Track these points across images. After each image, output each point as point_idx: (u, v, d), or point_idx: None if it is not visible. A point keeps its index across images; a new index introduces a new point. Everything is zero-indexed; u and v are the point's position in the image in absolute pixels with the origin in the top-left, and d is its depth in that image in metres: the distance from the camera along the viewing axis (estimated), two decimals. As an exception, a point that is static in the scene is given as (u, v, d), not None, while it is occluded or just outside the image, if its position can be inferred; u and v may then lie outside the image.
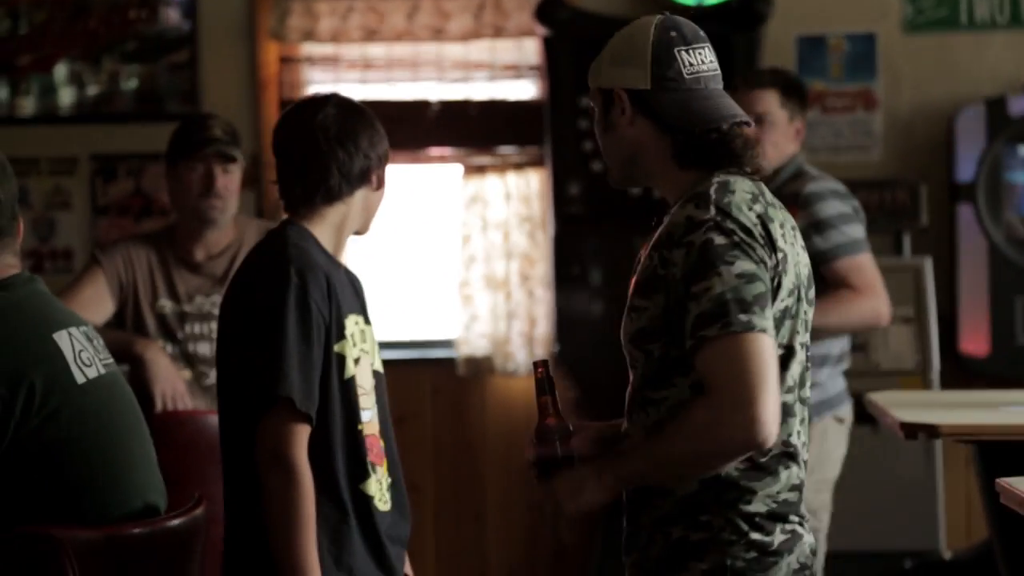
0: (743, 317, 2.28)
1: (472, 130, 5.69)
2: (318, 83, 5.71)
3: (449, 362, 5.71)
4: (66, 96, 5.70)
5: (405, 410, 5.70)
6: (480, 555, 5.74)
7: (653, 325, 2.37)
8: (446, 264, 5.83)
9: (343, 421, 2.80)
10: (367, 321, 2.92)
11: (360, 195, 2.90)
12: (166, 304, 3.99)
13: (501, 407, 5.74)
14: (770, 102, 4.02)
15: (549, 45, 5.42)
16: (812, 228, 3.88)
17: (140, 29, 5.68)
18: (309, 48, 5.72)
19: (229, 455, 2.85)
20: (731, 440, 2.28)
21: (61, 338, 2.72)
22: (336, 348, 2.79)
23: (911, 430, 3.33)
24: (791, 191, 3.95)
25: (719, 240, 2.31)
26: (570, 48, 5.40)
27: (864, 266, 3.93)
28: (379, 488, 2.86)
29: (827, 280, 3.87)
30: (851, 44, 5.63)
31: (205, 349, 3.96)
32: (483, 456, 5.74)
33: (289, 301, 2.74)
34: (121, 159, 5.68)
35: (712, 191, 2.36)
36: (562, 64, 5.41)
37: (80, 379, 2.71)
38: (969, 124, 5.35)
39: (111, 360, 2.85)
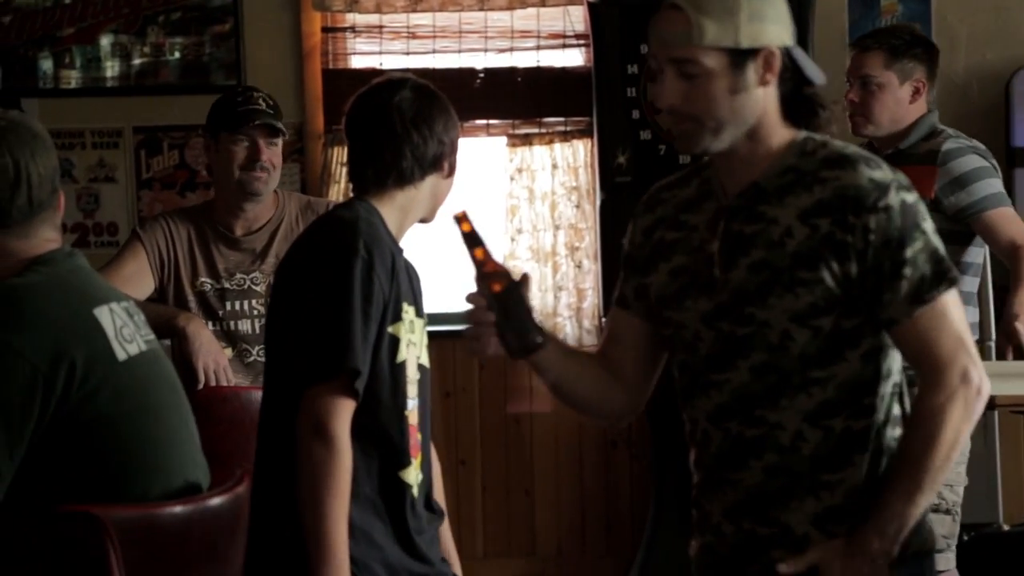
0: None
1: (518, 100, 5.64)
2: (362, 53, 5.67)
3: (496, 335, 5.65)
4: (110, 68, 5.68)
5: (453, 384, 5.67)
6: (529, 529, 5.71)
7: (828, 297, 2.27)
8: (492, 236, 5.78)
9: (391, 404, 2.75)
10: (419, 314, 2.87)
11: (430, 181, 2.86)
12: (207, 281, 3.96)
13: (549, 380, 5.68)
14: (873, 64, 4.00)
15: (595, 12, 5.35)
16: (954, 184, 3.92)
17: (183, 0, 5.65)
18: (352, 18, 5.67)
19: (270, 424, 2.79)
20: (978, 407, 2.29)
21: (102, 314, 2.70)
22: (391, 329, 2.74)
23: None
24: (927, 149, 3.99)
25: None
26: (617, 15, 5.33)
27: (1012, 216, 3.95)
28: (416, 478, 2.81)
29: (977, 232, 3.95)
30: (904, 6, 5.54)
31: (246, 327, 3.93)
32: (531, 430, 5.70)
33: (356, 273, 2.69)
34: (165, 131, 5.65)
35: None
36: (609, 32, 5.34)
37: (121, 355, 2.69)
38: (1026, 87, 5.27)
39: (152, 336, 2.82)
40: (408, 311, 2.78)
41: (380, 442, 2.75)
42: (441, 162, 2.86)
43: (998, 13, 5.50)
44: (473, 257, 2.38)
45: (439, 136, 2.85)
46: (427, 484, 2.87)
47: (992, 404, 3.23)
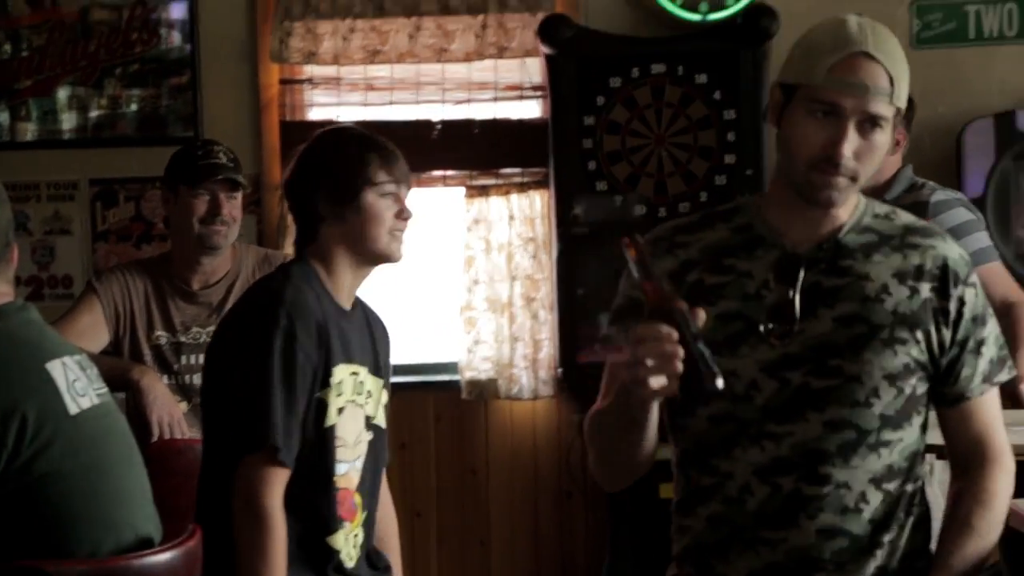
0: (1010, 359, 2.40)
1: (475, 151, 5.65)
2: (319, 105, 5.68)
3: (452, 386, 5.66)
4: (67, 120, 5.67)
5: (409, 435, 5.66)
6: (486, 580, 5.70)
7: (918, 360, 2.29)
8: (449, 287, 5.78)
9: (317, 470, 2.75)
10: (376, 372, 2.87)
11: (356, 221, 2.83)
12: (162, 335, 3.95)
13: (505, 431, 5.69)
14: None
15: (553, 64, 5.38)
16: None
17: (141, 52, 5.65)
18: (311, 70, 5.69)
19: (206, 491, 2.81)
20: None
21: (54, 368, 2.68)
22: (319, 394, 2.75)
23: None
24: (913, 201, 4.01)
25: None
26: (574, 67, 5.36)
27: (1002, 272, 4.01)
28: (346, 543, 2.81)
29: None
30: (857, 60, 5.58)
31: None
32: (487, 481, 5.69)
33: (277, 346, 2.71)
34: (122, 183, 5.64)
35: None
36: (565, 84, 5.37)
37: (73, 409, 2.67)
38: (978, 139, 5.30)
39: (105, 389, 2.80)
40: (352, 371, 2.78)
41: (305, 508, 2.75)
42: (356, 201, 2.82)
43: (949, 67, 5.56)
44: (643, 287, 2.13)
45: (347, 176, 2.82)
46: (365, 544, 2.87)
47: (943, 454, 3.24)
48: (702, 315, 2.03)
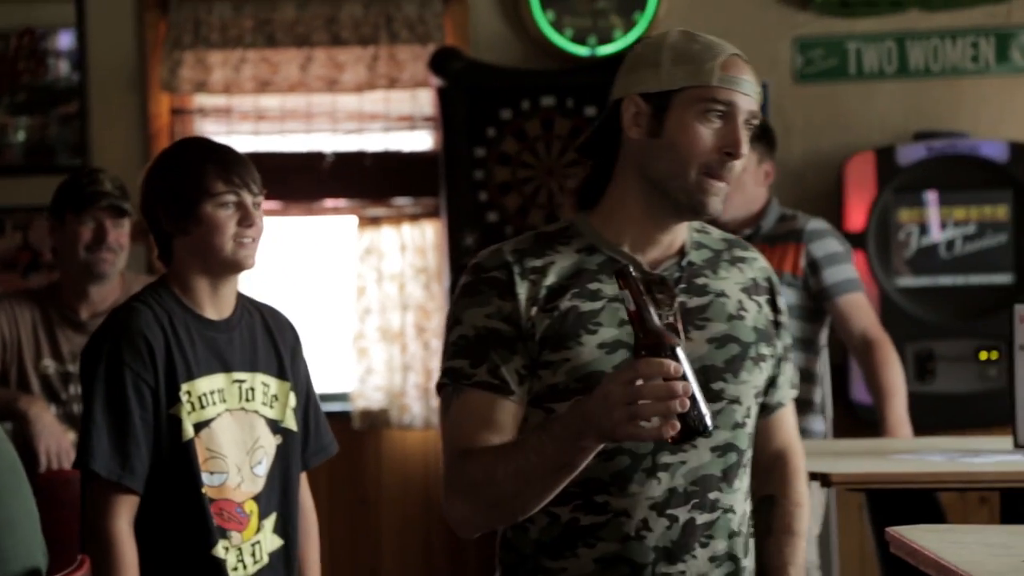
0: None
1: (367, 181, 5.67)
2: (210, 134, 5.66)
3: (344, 416, 5.66)
4: (-47, 149, 5.61)
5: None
6: (377, 610, 5.69)
7: (771, 375, 2.30)
8: (341, 316, 5.79)
9: (180, 485, 2.76)
10: (281, 376, 2.89)
11: (199, 233, 2.82)
12: (49, 364, 3.92)
13: (397, 461, 5.69)
14: None
15: (444, 96, 5.42)
16: (816, 264, 4.02)
17: (28, 81, 5.61)
18: (201, 99, 5.68)
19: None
20: None
21: (-61, 398, 2.66)
22: (171, 411, 2.76)
23: (804, 479, 3.34)
24: (787, 230, 4.06)
25: None
26: (465, 99, 5.41)
27: (865, 304, 4.07)
28: (236, 553, 2.81)
29: (831, 313, 4.05)
30: (743, 95, 5.68)
31: None
32: (379, 511, 5.69)
33: (98, 372, 2.75)
34: (9, 212, 5.59)
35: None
36: (456, 115, 5.41)
37: (-41, 439, 2.64)
38: (859, 173, 5.41)
39: (-10, 419, 2.79)
40: (203, 385, 2.79)
41: (176, 523, 2.76)
42: (195, 210, 2.81)
43: (831, 103, 5.67)
44: (637, 323, 1.99)
45: (182, 187, 2.81)
46: (283, 552, 2.87)
47: (828, 481, 3.31)
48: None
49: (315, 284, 5.87)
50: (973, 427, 5.01)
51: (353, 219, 5.73)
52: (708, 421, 1.94)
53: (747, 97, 2.19)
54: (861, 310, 4.05)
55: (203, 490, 2.77)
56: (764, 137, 4.14)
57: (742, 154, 2.18)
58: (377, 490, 5.69)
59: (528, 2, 5.63)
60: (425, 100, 5.67)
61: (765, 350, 2.26)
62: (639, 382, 1.92)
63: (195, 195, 2.79)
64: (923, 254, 5.38)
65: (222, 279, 2.85)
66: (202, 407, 2.78)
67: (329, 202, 5.69)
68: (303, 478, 3.00)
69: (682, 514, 2.17)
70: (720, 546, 2.20)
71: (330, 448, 3.03)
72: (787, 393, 2.35)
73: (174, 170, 2.82)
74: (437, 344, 5.63)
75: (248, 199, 2.81)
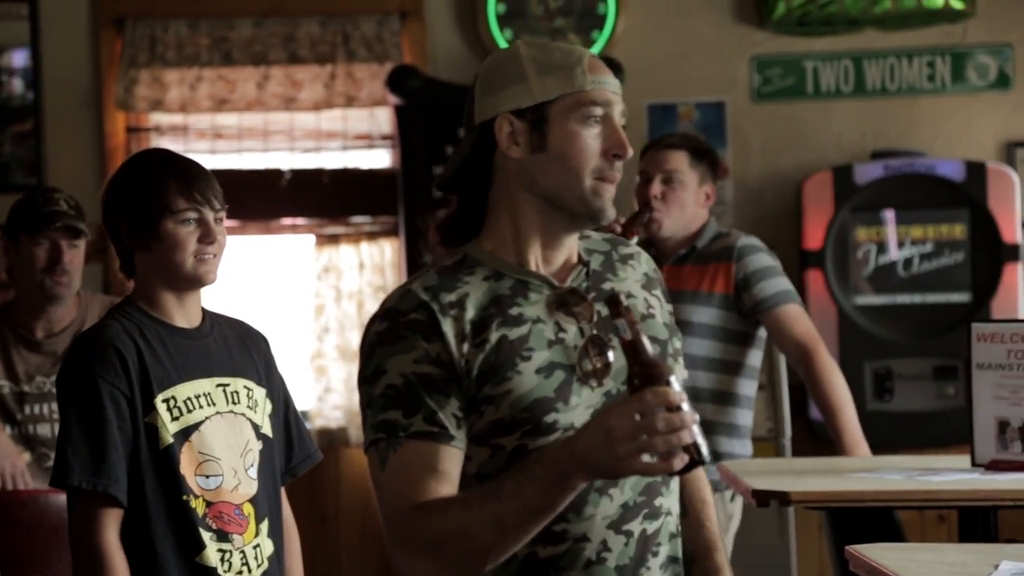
0: None
1: (325, 200, 5.66)
2: (167, 153, 5.64)
3: (303, 434, 5.63)
4: (-94, 167, 5.57)
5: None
6: (335, 631, 5.66)
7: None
8: (299, 335, 5.77)
9: (161, 493, 2.75)
10: (259, 382, 2.89)
11: (159, 249, 2.81)
12: (4, 385, 3.88)
13: (356, 480, 5.67)
14: (679, 161, 4.04)
15: (402, 114, 5.42)
16: (749, 279, 3.98)
17: (-17, 98, 5.58)
18: (157, 118, 5.66)
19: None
20: None
21: None
22: (146, 420, 2.75)
23: (763, 497, 3.33)
24: (721, 247, 4.03)
25: None
26: (423, 117, 5.41)
27: (801, 314, 4.03)
28: (227, 557, 2.80)
29: (766, 328, 4.01)
30: (701, 112, 5.71)
31: (46, 430, 3.86)
32: (338, 529, 5.67)
33: (72, 389, 2.75)
34: (-37, 231, 5.54)
35: None
36: (414, 133, 5.41)
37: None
38: (817, 191, 5.44)
39: (-55, 441, 2.76)
40: (185, 390, 2.79)
41: (157, 533, 2.74)
42: (156, 227, 2.80)
43: (789, 122, 5.70)
44: (632, 353, 1.93)
45: (142, 204, 2.80)
46: (274, 556, 2.86)
47: (787, 500, 3.31)
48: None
49: (273, 303, 5.85)
50: (931, 445, 5.04)
51: (311, 237, 5.71)
52: (705, 450, 1.89)
53: (616, 95, 2.16)
54: (795, 320, 4.04)
55: (186, 497, 2.76)
56: (706, 159, 4.12)
57: (629, 152, 2.14)
58: (336, 508, 5.66)
59: (486, 20, 5.64)
60: (383, 118, 5.67)
61: (678, 345, 2.25)
62: (640, 415, 1.86)
63: (155, 211, 2.78)
64: (881, 272, 5.40)
65: (186, 292, 2.85)
66: (188, 411, 2.78)
67: (286, 220, 5.67)
68: (283, 491, 3.00)
69: (635, 527, 2.12)
70: (665, 551, 2.16)
71: (316, 455, 3.04)
72: None
73: (135, 185, 2.81)
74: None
75: (209, 215, 2.81)
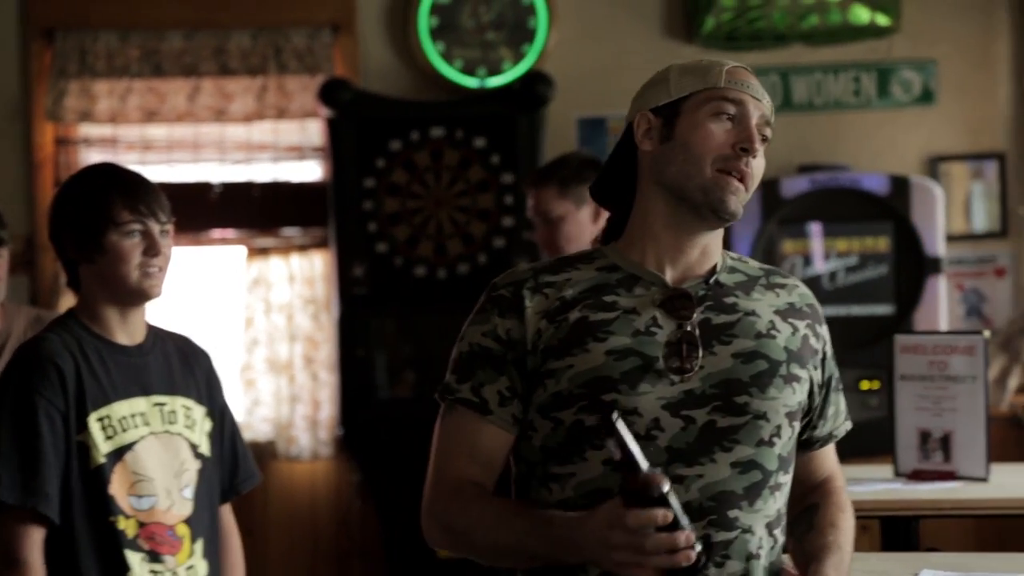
0: None
1: (255, 212, 5.65)
2: (96, 164, 5.61)
3: (232, 447, 5.62)
4: None
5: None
6: (265, 644, 5.64)
7: (805, 399, 2.23)
8: (228, 347, 5.75)
9: (88, 513, 2.74)
10: (200, 401, 2.89)
11: (104, 262, 2.81)
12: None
13: (285, 493, 5.66)
14: (548, 199, 3.95)
15: (333, 126, 5.42)
16: None
17: (-91, 108, 5.53)
18: (86, 129, 5.63)
19: None
20: None
21: None
22: (78, 438, 2.74)
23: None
24: None
25: None
26: (354, 130, 5.41)
27: None
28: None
29: None
30: (630, 127, 5.74)
31: None
32: (266, 543, 5.65)
33: (7, 402, 2.73)
34: None
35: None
36: (346, 145, 5.41)
37: None
38: (744, 205, 5.47)
39: None
40: (121, 409, 2.77)
41: (81, 552, 2.74)
42: (99, 239, 2.80)
43: (718, 134, 5.74)
44: (628, 464, 1.93)
45: (87, 215, 2.80)
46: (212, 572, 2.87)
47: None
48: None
49: (202, 315, 5.83)
50: (854, 456, 5.07)
51: (241, 249, 5.70)
52: (700, 551, 1.91)
53: (757, 100, 2.20)
54: None
55: (113, 518, 2.75)
56: (579, 176, 3.96)
57: (756, 149, 2.16)
58: (264, 521, 5.65)
59: (418, 33, 5.65)
60: (314, 130, 5.67)
61: (799, 371, 2.20)
62: (631, 533, 1.90)
63: (100, 224, 2.77)
64: (807, 285, 5.45)
65: (130, 307, 2.84)
66: (123, 430, 2.76)
67: (217, 232, 5.66)
68: (228, 507, 3.00)
69: (696, 529, 2.02)
70: (736, 567, 2.12)
71: (256, 475, 3.05)
72: (839, 424, 2.33)
73: (80, 196, 2.81)
74: (326, 375, 5.61)
75: (155, 228, 2.80)
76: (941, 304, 5.38)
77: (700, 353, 2.14)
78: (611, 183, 2.32)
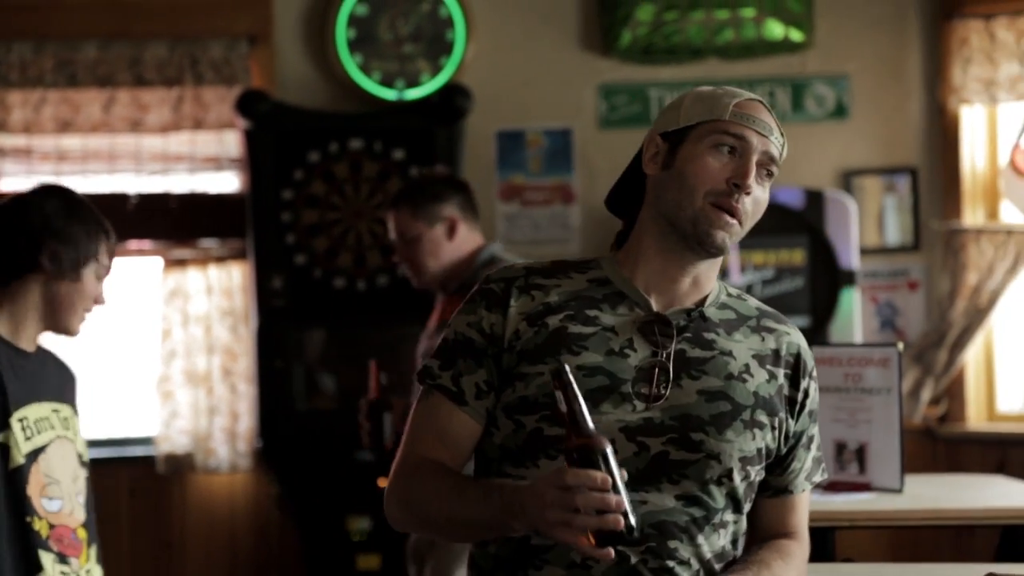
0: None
1: (172, 223, 5.62)
2: (9, 175, 5.56)
3: (148, 460, 5.58)
4: None
5: (100, 511, 5.53)
6: (182, 658, 5.61)
7: (768, 448, 2.23)
8: (145, 359, 5.71)
9: (7, 512, 2.73)
10: (75, 411, 2.92)
11: (63, 288, 2.84)
12: None
13: (203, 505, 5.63)
14: (401, 221, 3.96)
15: (250, 137, 5.40)
16: None
17: None
18: (0, 139, 5.57)
19: None
20: None
21: None
22: (1, 438, 2.73)
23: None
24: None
25: None
26: (272, 141, 5.39)
27: None
28: None
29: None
30: (548, 139, 5.78)
31: None
32: (184, 556, 5.61)
33: None
34: None
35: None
36: (264, 156, 5.39)
37: None
38: (661, 217, 5.52)
39: None
40: (30, 412, 2.78)
41: (5, 552, 2.73)
42: (79, 269, 2.86)
43: (635, 148, 5.76)
44: (567, 425, 1.97)
45: (82, 239, 2.86)
46: None
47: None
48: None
49: (118, 326, 5.78)
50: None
51: (158, 261, 5.66)
52: (634, 524, 1.93)
53: (762, 137, 2.20)
54: None
55: (30, 518, 2.76)
56: (430, 195, 3.95)
57: (748, 186, 2.17)
58: (182, 534, 5.61)
59: (335, 45, 5.65)
60: (232, 142, 5.64)
61: (764, 418, 2.21)
62: (564, 490, 1.92)
63: (87, 253, 2.87)
64: (723, 297, 5.51)
65: (50, 330, 2.92)
66: (38, 432, 2.78)
67: (133, 243, 5.61)
68: None
69: (633, 554, 2.11)
70: None
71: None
72: (799, 482, 2.30)
73: (76, 220, 2.87)
74: (244, 387, 5.59)
75: (105, 280, 2.92)
76: (855, 316, 5.45)
77: (669, 384, 2.16)
78: (624, 194, 2.35)
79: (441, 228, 3.96)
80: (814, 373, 2.30)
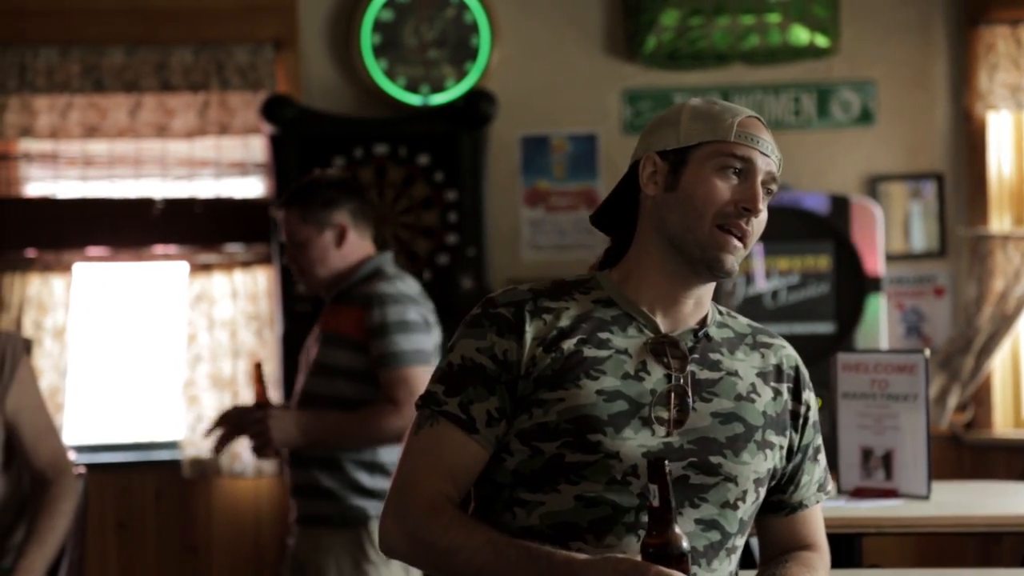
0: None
1: (198, 228, 5.63)
2: (36, 180, 5.58)
3: (174, 464, 5.59)
4: None
5: (126, 516, 5.55)
6: (207, 662, 5.61)
7: (777, 466, 2.22)
8: (170, 364, 5.72)
9: None
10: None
11: None
12: None
13: (228, 510, 5.64)
14: (290, 223, 3.84)
15: (275, 143, 5.41)
16: (375, 331, 3.73)
17: None
18: (27, 144, 5.59)
19: None
20: None
21: None
22: None
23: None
24: (364, 292, 3.78)
25: None
26: (296, 145, 5.40)
27: (414, 379, 3.71)
28: None
29: (380, 386, 3.74)
30: (573, 144, 5.78)
31: None
32: (210, 561, 5.62)
33: None
34: None
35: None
36: (289, 161, 5.40)
37: None
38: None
39: None
40: None
41: None
42: None
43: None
44: (662, 519, 2.00)
45: None
46: None
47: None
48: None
49: (145, 331, 5.80)
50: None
51: (184, 265, 5.68)
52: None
53: (765, 157, 2.18)
54: (403, 385, 3.70)
55: None
56: (322, 200, 3.82)
57: (759, 210, 2.16)
58: (207, 538, 5.62)
59: (360, 51, 5.66)
60: (257, 147, 5.65)
61: (773, 438, 2.21)
62: None
63: None
64: (749, 304, 5.49)
65: None
66: None
67: (159, 248, 5.63)
68: None
69: None
70: None
71: None
72: (810, 494, 2.30)
73: None
74: (269, 392, 5.57)
75: None
76: (881, 322, 5.44)
77: (692, 408, 2.14)
78: (612, 211, 2.31)
79: (331, 234, 3.84)
80: (810, 385, 2.30)
